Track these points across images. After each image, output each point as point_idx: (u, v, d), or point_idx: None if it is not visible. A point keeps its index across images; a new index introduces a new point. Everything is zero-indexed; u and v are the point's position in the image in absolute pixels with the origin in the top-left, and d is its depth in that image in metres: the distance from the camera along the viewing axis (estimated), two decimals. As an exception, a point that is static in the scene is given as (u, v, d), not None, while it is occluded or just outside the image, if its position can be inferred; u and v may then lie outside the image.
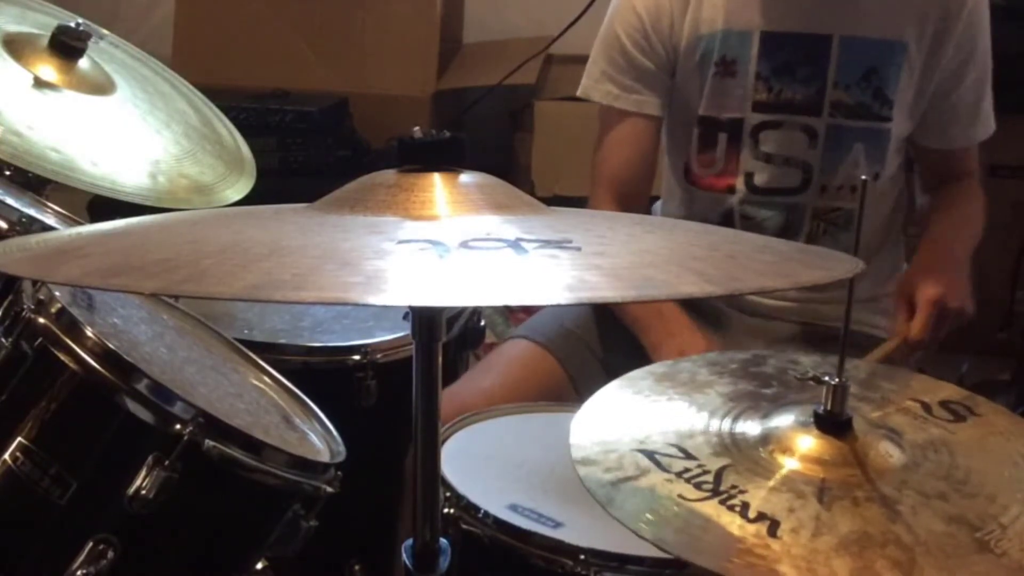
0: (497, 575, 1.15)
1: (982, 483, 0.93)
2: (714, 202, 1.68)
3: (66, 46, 1.46)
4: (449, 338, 1.56)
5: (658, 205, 1.83)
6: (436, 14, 3.07)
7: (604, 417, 1.02)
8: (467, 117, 3.22)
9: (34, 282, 1.09)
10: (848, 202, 1.65)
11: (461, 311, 1.59)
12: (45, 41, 1.46)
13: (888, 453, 0.95)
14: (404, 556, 0.87)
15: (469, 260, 0.70)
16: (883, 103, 1.61)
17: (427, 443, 0.85)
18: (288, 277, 0.66)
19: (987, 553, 0.84)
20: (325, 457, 1.21)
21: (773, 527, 0.85)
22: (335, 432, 1.27)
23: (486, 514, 1.14)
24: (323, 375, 1.47)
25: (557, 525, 1.13)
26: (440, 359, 0.84)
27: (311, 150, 2.89)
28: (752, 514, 0.87)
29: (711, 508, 0.88)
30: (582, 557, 1.07)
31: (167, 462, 1.04)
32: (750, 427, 0.98)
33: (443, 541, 0.88)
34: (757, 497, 0.89)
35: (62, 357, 1.06)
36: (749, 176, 1.65)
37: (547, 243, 0.73)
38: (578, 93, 1.72)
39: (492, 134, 3.23)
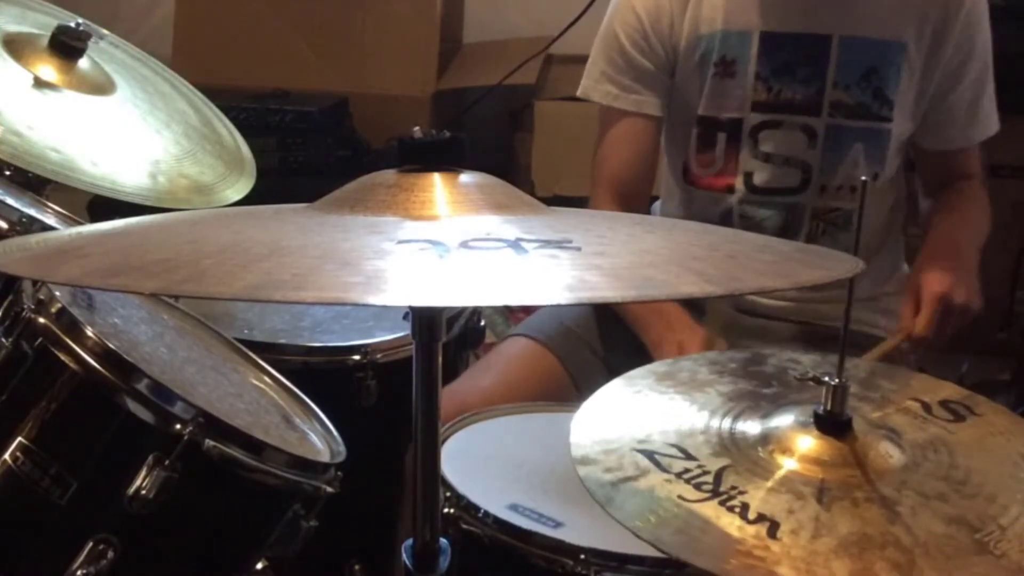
0: (497, 575, 1.15)
1: (982, 483, 0.93)
2: (713, 202, 1.68)
3: (66, 46, 1.46)
4: (449, 338, 1.56)
5: (657, 205, 1.83)
6: (436, 14, 3.07)
7: (604, 416, 1.02)
8: (467, 117, 3.22)
9: (34, 282, 1.10)
10: (847, 202, 1.65)
11: (461, 311, 1.59)
12: (45, 41, 1.46)
13: (888, 453, 0.95)
14: (404, 556, 0.87)
15: (469, 260, 0.70)
16: (883, 103, 1.61)
17: (427, 443, 0.85)
18: (288, 277, 0.66)
19: (986, 554, 0.84)
20: (325, 457, 1.21)
21: (773, 528, 0.85)
22: (335, 432, 1.27)
23: (486, 514, 1.14)
24: (323, 375, 1.47)
25: (557, 525, 1.13)
26: (440, 359, 0.84)
27: (311, 150, 2.89)
28: (752, 515, 0.87)
29: (711, 509, 0.88)
30: (582, 557, 1.07)
31: (167, 462, 1.04)
32: (750, 427, 0.98)
33: (443, 541, 0.88)
34: (757, 498, 0.89)
35: (62, 357, 1.06)
36: (748, 176, 1.65)
37: (547, 243, 0.73)
38: (578, 93, 1.72)
39: (492, 134, 3.23)
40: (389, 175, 0.83)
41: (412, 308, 0.82)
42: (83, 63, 1.48)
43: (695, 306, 1.64)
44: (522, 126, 3.16)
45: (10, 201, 1.29)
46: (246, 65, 3.04)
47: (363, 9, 3.07)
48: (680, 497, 0.89)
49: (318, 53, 3.08)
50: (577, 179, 2.21)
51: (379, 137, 2.96)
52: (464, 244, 0.71)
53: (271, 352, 1.40)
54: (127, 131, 1.47)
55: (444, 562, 0.88)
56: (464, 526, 1.14)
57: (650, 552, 1.00)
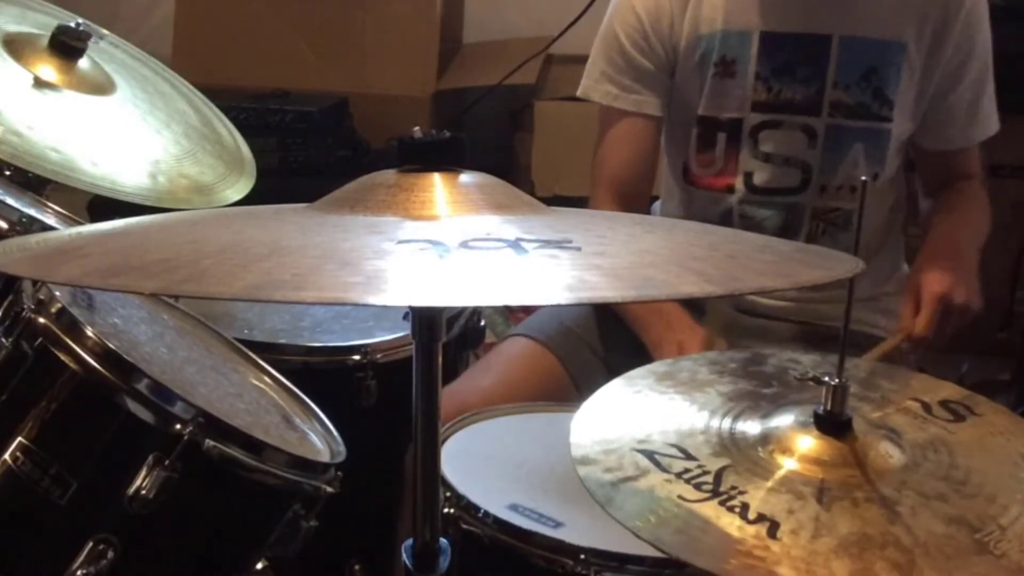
0: (497, 575, 1.15)
1: (982, 483, 0.93)
2: (713, 202, 1.68)
3: (66, 46, 1.46)
4: (449, 338, 1.56)
5: (657, 205, 1.83)
6: (436, 14, 3.07)
7: (604, 416, 1.02)
8: (467, 117, 3.22)
9: (34, 282, 1.09)
10: (847, 202, 1.65)
11: (461, 311, 1.59)
12: (45, 41, 1.46)
13: (888, 453, 0.95)
14: (404, 556, 0.87)
15: (469, 260, 0.70)
16: (883, 103, 1.61)
17: (427, 443, 0.85)
18: (288, 277, 0.66)
19: (986, 555, 0.84)
20: (325, 457, 1.21)
21: (773, 528, 0.85)
22: (335, 432, 1.27)
23: (486, 514, 1.14)
24: (323, 375, 1.47)
25: (557, 525, 1.13)
26: (440, 359, 0.84)
27: (311, 150, 2.89)
28: (752, 515, 0.87)
29: (711, 509, 0.88)
30: (582, 557, 1.07)
31: (167, 462, 1.04)
32: (750, 427, 0.98)
33: (443, 541, 0.88)
34: (757, 498, 0.89)
35: (62, 357, 1.06)
36: (748, 176, 1.65)
37: (547, 243, 0.73)
38: (578, 93, 1.72)
39: (492, 134, 3.23)
40: (389, 175, 0.83)
41: (412, 308, 0.82)
42: (83, 63, 1.48)
43: (695, 306, 1.64)
44: (522, 126, 3.16)
45: (10, 201, 1.29)
46: (246, 65, 3.04)
47: (363, 9, 3.07)
48: (680, 497, 0.89)
49: (318, 53, 3.08)
50: (577, 179, 2.21)
51: (379, 137, 2.96)
52: (464, 244, 0.71)
53: (271, 352, 1.40)
54: (127, 131, 1.47)
55: (444, 562, 0.88)
56: (464, 526, 1.14)
57: (650, 552, 1.00)
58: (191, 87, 1.69)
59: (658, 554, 0.88)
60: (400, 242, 0.72)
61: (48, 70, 1.44)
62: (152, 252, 0.73)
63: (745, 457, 0.94)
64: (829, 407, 0.94)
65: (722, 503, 0.88)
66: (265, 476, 1.10)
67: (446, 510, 1.14)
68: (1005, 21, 1.84)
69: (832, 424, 0.94)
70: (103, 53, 1.55)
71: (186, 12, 3.11)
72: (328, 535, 1.20)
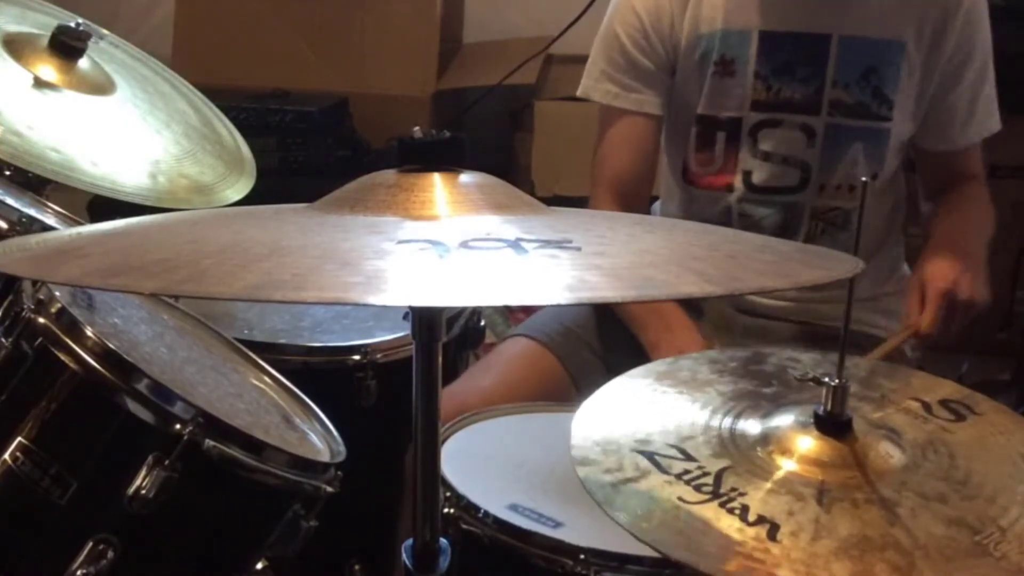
0: (497, 575, 1.15)
1: (982, 484, 0.93)
2: (712, 201, 1.68)
3: (66, 46, 1.46)
4: (449, 338, 1.56)
5: (657, 205, 1.83)
6: (436, 14, 3.07)
7: (604, 416, 1.02)
8: (467, 117, 3.22)
9: (34, 282, 1.09)
10: (846, 201, 1.64)
11: (461, 311, 1.59)
12: (45, 41, 1.46)
13: (888, 454, 0.95)
14: (404, 556, 0.87)
15: (469, 260, 0.70)
16: (882, 102, 1.61)
17: (427, 443, 0.85)
18: (288, 277, 0.66)
19: (986, 556, 0.84)
20: (325, 457, 1.21)
21: (773, 530, 0.85)
22: (335, 432, 1.27)
23: (486, 514, 1.14)
24: (323, 375, 1.47)
25: (557, 525, 1.13)
26: (440, 359, 0.84)
27: (311, 150, 2.89)
28: (752, 517, 0.86)
29: (711, 511, 0.87)
30: (582, 557, 1.07)
31: (167, 462, 1.04)
32: (750, 427, 0.98)
33: (443, 541, 0.88)
34: (756, 499, 0.89)
35: (62, 357, 1.06)
36: (747, 175, 1.65)
37: (547, 243, 0.72)
38: (578, 93, 1.72)
39: (492, 134, 3.23)
40: (389, 175, 0.83)
41: (412, 308, 0.82)
42: (83, 63, 1.48)
43: (694, 306, 1.64)
44: (522, 126, 3.16)
45: (10, 201, 1.29)
46: (246, 65, 3.04)
47: (363, 9, 3.07)
48: (680, 499, 0.89)
49: (318, 53, 3.08)
50: (577, 179, 2.21)
51: (379, 137, 2.96)
52: (464, 244, 0.71)
53: (271, 352, 1.40)
54: (127, 131, 1.47)
55: (444, 562, 0.88)
56: (464, 526, 1.14)
57: (650, 552, 1.00)
58: (191, 87, 1.69)
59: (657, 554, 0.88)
60: (400, 242, 0.72)
61: (48, 70, 1.44)
62: (152, 252, 0.73)
63: (745, 458, 0.94)
64: (829, 408, 0.94)
65: (722, 505, 0.88)
66: (265, 476, 1.10)
67: (446, 510, 1.14)
68: (1005, 21, 1.84)
69: (832, 425, 0.94)
70: (103, 53, 1.55)
71: (186, 12, 3.11)
72: (328, 535, 1.20)
